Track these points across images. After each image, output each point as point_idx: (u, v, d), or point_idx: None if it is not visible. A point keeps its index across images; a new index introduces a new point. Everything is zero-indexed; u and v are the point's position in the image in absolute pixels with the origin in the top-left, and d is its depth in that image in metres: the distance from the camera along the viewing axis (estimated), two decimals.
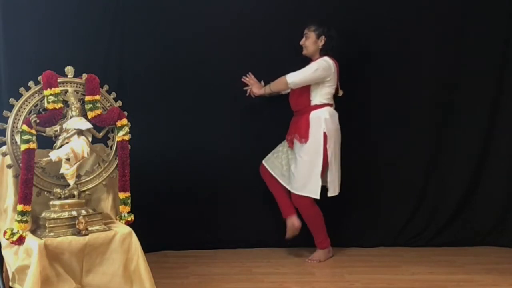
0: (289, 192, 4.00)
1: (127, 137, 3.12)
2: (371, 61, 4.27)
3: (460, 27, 4.30)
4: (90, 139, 3.04)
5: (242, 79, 4.10)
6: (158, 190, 4.01)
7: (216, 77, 4.12)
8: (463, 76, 4.35)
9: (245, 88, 4.11)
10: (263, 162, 4.10)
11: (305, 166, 3.87)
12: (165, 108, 4.08)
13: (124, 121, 3.11)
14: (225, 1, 4.14)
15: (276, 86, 3.96)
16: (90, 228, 2.91)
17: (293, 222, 3.97)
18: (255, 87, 4.06)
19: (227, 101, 4.15)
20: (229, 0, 4.14)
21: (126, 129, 3.11)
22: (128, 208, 3.15)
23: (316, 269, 3.87)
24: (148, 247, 3.25)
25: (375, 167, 4.36)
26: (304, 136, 3.87)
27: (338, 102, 4.21)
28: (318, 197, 3.85)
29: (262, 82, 4.07)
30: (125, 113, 3.14)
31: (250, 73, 4.10)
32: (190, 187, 4.15)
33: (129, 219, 3.14)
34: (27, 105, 2.93)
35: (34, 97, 2.95)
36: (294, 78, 3.86)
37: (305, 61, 3.95)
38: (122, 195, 3.13)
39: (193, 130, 4.13)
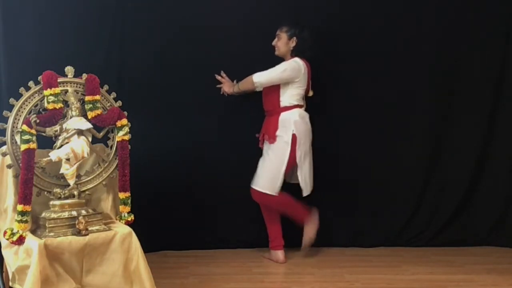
0: (280, 220, 4.02)
1: (127, 137, 3.12)
2: (371, 61, 4.27)
3: (460, 27, 4.30)
4: (90, 139, 3.04)
5: (216, 77, 4.10)
6: (158, 190, 4.01)
7: (216, 77, 4.13)
8: (463, 76, 4.35)
9: (218, 86, 4.11)
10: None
11: (271, 165, 3.89)
12: (165, 108, 4.07)
13: (124, 121, 3.11)
14: (225, 1, 4.13)
15: (243, 85, 3.98)
16: (90, 228, 2.91)
17: (278, 257, 3.99)
18: (226, 85, 4.07)
19: (227, 101, 4.14)
20: (229, 0, 4.14)
21: (126, 129, 3.12)
22: (128, 208, 3.16)
23: (316, 269, 3.87)
24: (148, 247, 3.25)
25: (375, 167, 4.36)
26: (272, 137, 3.90)
27: (338, 102, 4.23)
28: (277, 194, 3.87)
29: (235, 81, 4.08)
30: (125, 113, 3.14)
31: (222, 71, 4.10)
32: (190, 187, 4.15)
33: (129, 219, 3.14)
34: (27, 105, 2.93)
35: (34, 97, 2.95)
36: (260, 78, 3.88)
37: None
38: (122, 195, 3.14)
39: (193, 130, 4.13)
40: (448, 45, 4.32)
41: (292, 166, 3.91)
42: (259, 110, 4.12)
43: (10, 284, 2.88)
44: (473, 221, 4.42)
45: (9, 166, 2.92)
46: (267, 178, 3.91)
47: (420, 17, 4.29)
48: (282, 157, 3.87)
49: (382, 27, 4.25)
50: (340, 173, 4.28)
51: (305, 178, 3.94)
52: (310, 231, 4.00)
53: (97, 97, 3.05)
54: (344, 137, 4.29)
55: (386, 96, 4.32)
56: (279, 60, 3.97)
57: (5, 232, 2.85)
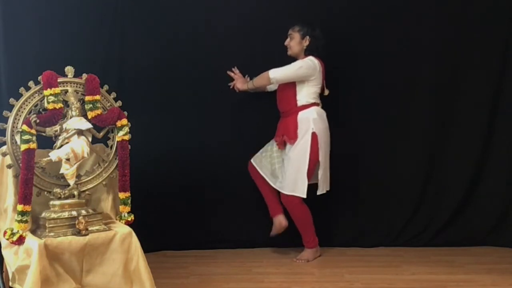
0: (277, 190, 4.01)
1: (127, 137, 3.12)
2: (371, 62, 4.27)
3: (460, 27, 4.30)
4: (90, 139, 3.04)
5: (228, 72, 4.10)
6: (158, 190, 4.01)
7: (216, 76, 4.12)
8: (463, 76, 4.35)
9: (230, 83, 4.11)
10: (251, 160, 4.10)
11: (293, 166, 3.87)
12: (165, 108, 4.08)
13: (124, 121, 3.11)
14: (225, 1, 4.13)
15: (258, 81, 3.96)
16: (90, 228, 2.91)
17: (280, 221, 4.00)
18: (239, 82, 4.06)
19: (227, 101, 4.15)
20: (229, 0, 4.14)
21: (126, 129, 3.12)
22: (128, 208, 3.16)
23: (316, 269, 3.87)
24: (148, 247, 3.25)
25: (375, 167, 4.36)
26: (293, 137, 3.88)
27: (338, 102, 4.23)
28: (305, 196, 3.85)
29: (248, 78, 4.07)
30: (125, 113, 3.14)
31: (235, 67, 4.10)
32: (190, 187, 4.15)
33: (129, 219, 3.14)
34: (27, 105, 2.93)
35: (34, 97, 2.95)
36: (276, 74, 3.87)
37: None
38: (122, 195, 3.14)
39: (193, 130, 4.13)
40: (448, 45, 4.32)
41: (315, 165, 3.88)
42: (259, 110, 4.13)
43: (10, 284, 2.88)
44: (473, 221, 4.42)
45: (9, 166, 2.92)
46: (292, 180, 3.87)
47: (420, 18, 4.29)
48: (304, 156, 3.84)
49: (380, 28, 4.25)
50: (340, 173, 4.26)
51: (325, 176, 3.93)
52: (310, 255, 4.03)
53: (97, 97, 3.05)
54: (344, 137, 4.27)
55: (386, 96, 4.32)
56: (284, 57, 3.96)
57: (5, 232, 2.85)
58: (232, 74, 4.10)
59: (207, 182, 4.19)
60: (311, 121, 3.86)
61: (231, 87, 4.10)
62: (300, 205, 3.91)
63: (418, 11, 4.29)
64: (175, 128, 4.09)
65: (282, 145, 3.98)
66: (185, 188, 4.13)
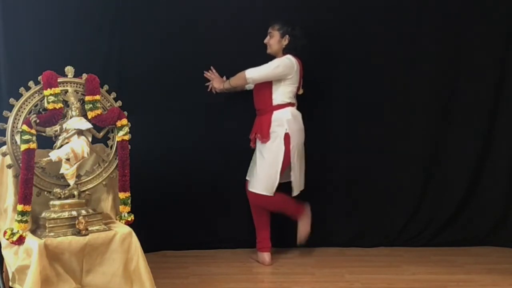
0: (270, 223, 4.00)
1: (127, 137, 3.12)
2: (372, 61, 4.26)
3: (460, 27, 4.30)
4: (90, 139, 3.04)
5: (205, 74, 4.09)
6: (158, 190, 4.01)
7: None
8: (463, 76, 4.35)
9: (207, 83, 4.10)
10: (247, 177, 4.08)
11: (266, 165, 3.86)
12: (165, 108, 4.07)
13: (124, 121, 3.12)
14: (225, 1, 4.13)
15: (235, 81, 3.95)
16: (90, 228, 2.91)
17: (264, 259, 3.95)
18: (215, 81, 4.05)
19: (227, 101, 4.14)
20: (229, 0, 4.14)
21: (126, 129, 3.12)
22: (128, 208, 3.16)
23: (316, 269, 3.87)
24: (148, 247, 3.25)
25: (374, 167, 4.36)
26: (265, 136, 3.87)
27: (338, 101, 4.23)
28: (272, 195, 3.84)
29: (224, 78, 4.06)
30: (125, 113, 3.14)
31: (212, 67, 4.09)
32: (190, 187, 4.15)
33: (129, 219, 3.15)
34: (27, 105, 2.93)
35: (34, 97, 2.95)
36: (253, 74, 3.85)
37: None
38: (122, 195, 3.14)
39: (193, 130, 4.13)
40: (448, 45, 4.32)
41: (287, 165, 3.87)
42: None
43: (10, 284, 2.88)
44: (473, 221, 4.42)
45: (9, 166, 2.92)
46: (263, 179, 3.87)
47: (420, 17, 4.29)
48: (277, 156, 3.83)
49: (381, 27, 4.25)
50: (340, 173, 4.27)
51: (297, 178, 3.91)
52: (304, 225, 3.99)
53: (97, 97, 3.05)
54: (344, 136, 4.28)
55: (386, 96, 4.32)
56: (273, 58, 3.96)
57: (5, 232, 2.85)
58: (208, 75, 4.09)
59: (207, 182, 4.18)
60: (285, 122, 3.84)
61: (208, 89, 4.09)
62: (270, 198, 3.86)
63: (417, 11, 4.28)
64: (175, 128, 4.09)
65: (254, 143, 3.98)
66: (185, 188, 4.13)
